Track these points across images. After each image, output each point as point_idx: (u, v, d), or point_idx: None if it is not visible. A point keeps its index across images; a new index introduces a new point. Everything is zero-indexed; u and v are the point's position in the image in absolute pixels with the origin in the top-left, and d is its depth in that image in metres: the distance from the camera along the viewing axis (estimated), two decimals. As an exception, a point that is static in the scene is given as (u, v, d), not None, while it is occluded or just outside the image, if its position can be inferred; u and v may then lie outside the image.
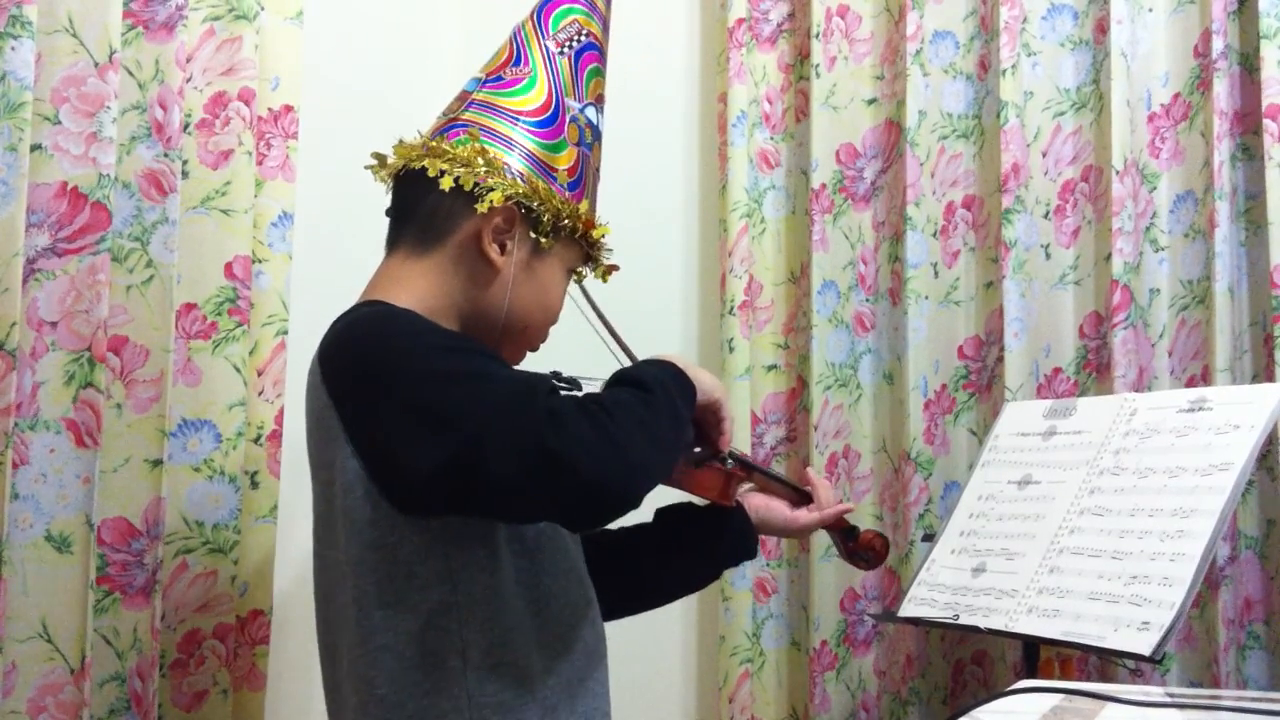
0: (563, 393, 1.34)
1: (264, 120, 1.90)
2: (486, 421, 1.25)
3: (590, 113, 1.55)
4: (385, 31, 2.42)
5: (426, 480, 1.29)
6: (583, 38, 1.56)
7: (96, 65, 1.62)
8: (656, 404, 1.36)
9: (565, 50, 1.55)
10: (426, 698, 1.35)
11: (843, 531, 1.78)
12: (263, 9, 1.87)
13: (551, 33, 1.55)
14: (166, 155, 1.73)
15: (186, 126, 1.80)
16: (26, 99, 1.52)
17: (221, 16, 1.84)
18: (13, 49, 1.52)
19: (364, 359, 1.34)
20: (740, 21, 2.35)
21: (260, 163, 1.89)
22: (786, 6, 2.41)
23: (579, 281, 1.59)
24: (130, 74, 1.71)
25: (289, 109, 1.93)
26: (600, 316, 1.59)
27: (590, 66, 1.57)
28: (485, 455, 1.24)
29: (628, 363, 1.55)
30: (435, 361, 1.31)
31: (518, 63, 1.53)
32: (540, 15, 1.56)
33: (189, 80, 1.80)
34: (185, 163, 1.79)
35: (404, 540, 1.35)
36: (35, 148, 1.57)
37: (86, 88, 1.62)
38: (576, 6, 1.58)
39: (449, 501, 1.31)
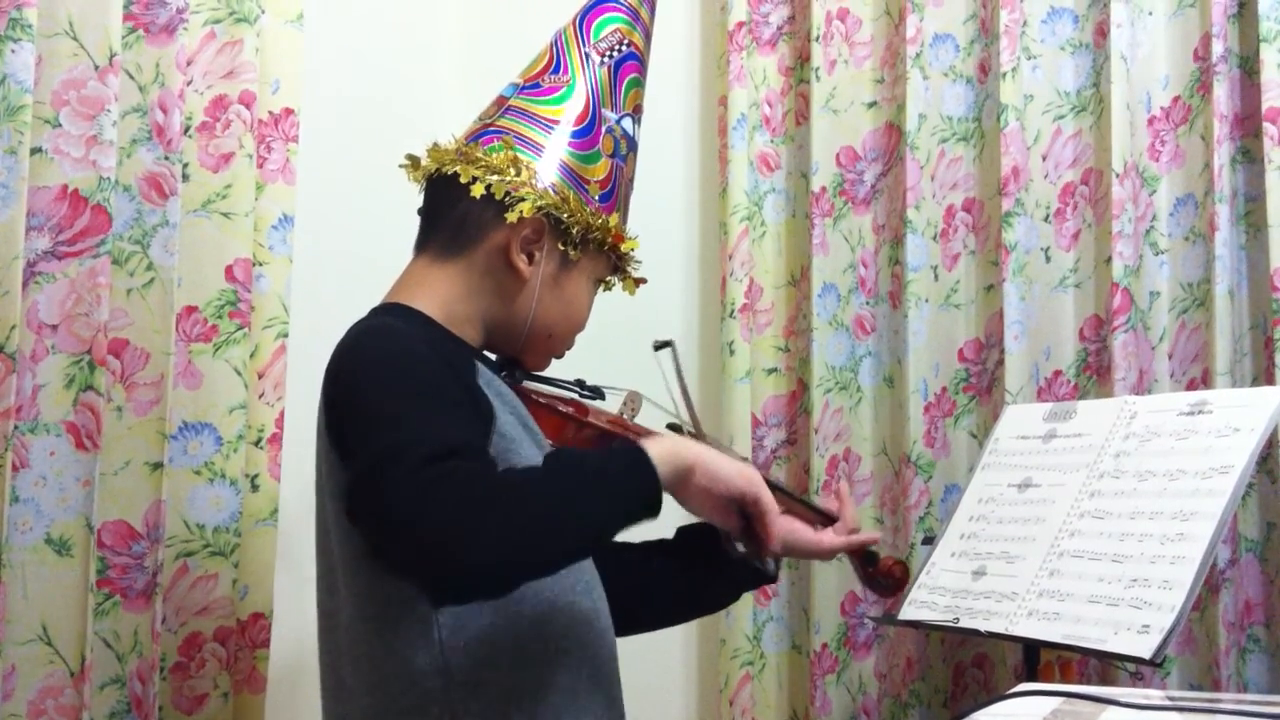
0: (461, 462, 1.24)
1: (264, 123, 1.90)
2: (369, 469, 1.23)
3: (627, 124, 1.55)
4: (386, 34, 2.42)
5: (352, 508, 1.30)
6: (624, 48, 1.56)
7: (97, 68, 1.62)
8: (560, 500, 1.24)
9: (605, 60, 1.54)
10: (403, 715, 1.34)
11: (863, 557, 1.78)
12: (263, 12, 1.88)
13: (593, 41, 1.54)
14: (167, 158, 1.73)
15: (187, 129, 1.80)
16: (27, 102, 1.53)
17: (222, 19, 1.84)
18: (13, 52, 1.52)
19: (347, 378, 1.35)
20: (740, 25, 2.36)
21: (261, 166, 1.89)
22: (786, 9, 2.41)
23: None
24: (131, 77, 1.72)
25: (289, 112, 1.93)
26: (682, 386, 1.55)
27: (630, 77, 1.56)
28: (359, 499, 1.24)
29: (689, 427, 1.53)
30: (374, 395, 1.30)
31: (556, 70, 1.53)
32: (582, 23, 1.56)
33: (189, 83, 1.80)
34: (186, 166, 1.79)
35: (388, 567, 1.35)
36: (35, 151, 1.57)
37: (87, 90, 1.62)
38: (619, 15, 1.57)
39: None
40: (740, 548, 1.44)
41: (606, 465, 1.29)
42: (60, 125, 1.61)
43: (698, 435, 1.57)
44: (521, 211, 1.43)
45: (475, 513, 1.18)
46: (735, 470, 1.36)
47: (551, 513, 1.23)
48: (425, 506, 1.18)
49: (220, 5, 1.84)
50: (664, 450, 1.30)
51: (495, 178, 1.44)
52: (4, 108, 1.51)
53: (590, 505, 1.26)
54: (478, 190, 1.43)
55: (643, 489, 1.28)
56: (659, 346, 1.59)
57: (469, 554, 1.18)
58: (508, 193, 1.43)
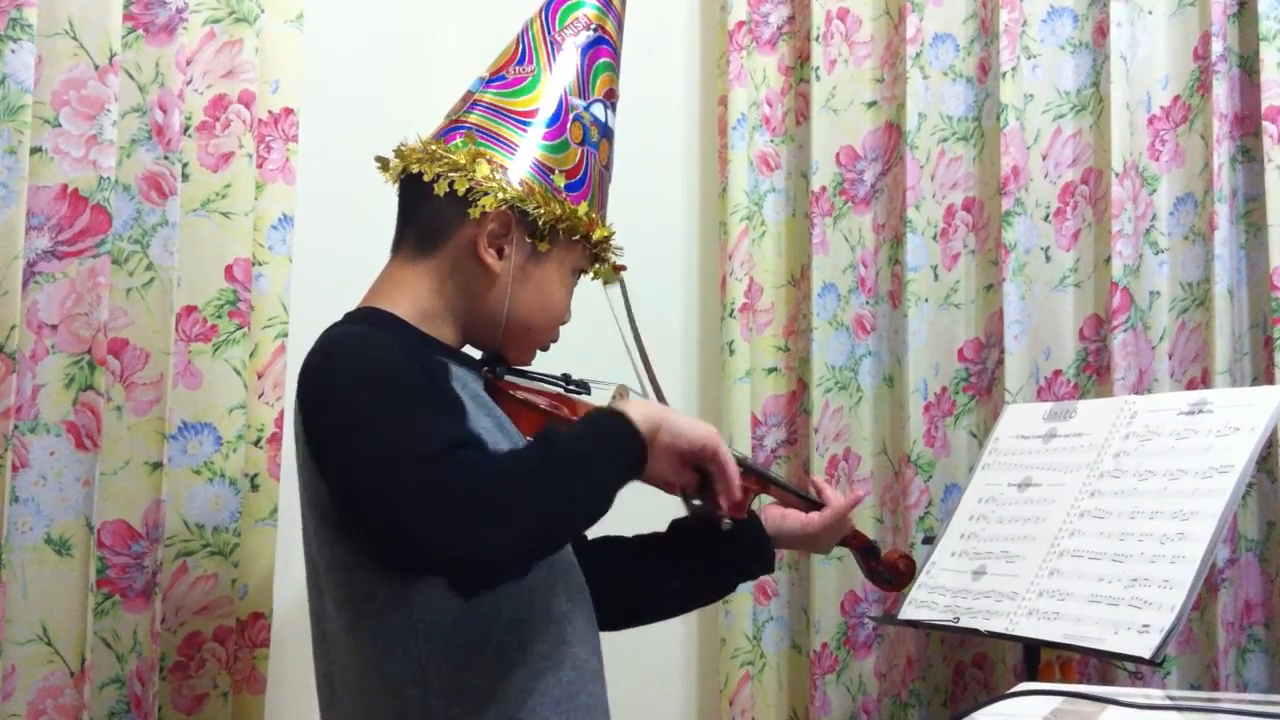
0: (463, 454, 1.27)
1: (264, 123, 1.90)
2: (371, 473, 1.24)
3: (597, 109, 1.54)
4: (385, 34, 2.42)
5: (339, 511, 1.32)
6: (592, 32, 1.55)
7: (97, 68, 1.62)
8: (562, 469, 1.28)
9: (573, 46, 1.53)
10: None
11: (864, 550, 1.78)
12: (263, 12, 1.87)
13: (559, 28, 1.53)
14: (166, 158, 1.73)
15: (187, 129, 1.80)
16: (27, 102, 1.53)
17: (222, 19, 1.84)
18: (13, 52, 1.52)
19: (324, 388, 1.35)
20: (740, 24, 2.36)
21: (260, 165, 1.89)
22: (786, 9, 2.41)
23: (594, 279, 1.58)
24: (130, 77, 1.72)
25: (289, 112, 1.93)
26: (634, 331, 1.55)
27: (600, 62, 1.55)
28: (366, 505, 1.25)
29: (645, 379, 1.53)
30: (357, 399, 1.31)
31: (521, 61, 1.52)
32: (548, 11, 1.55)
33: (189, 83, 1.80)
34: (185, 165, 1.79)
35: (361, 563, 1.35)
36: (35, 150, 1.57)
37: (87, 90, 1.62)
38: (588, 1, 1.56)
39: (359, 536, 1.33)
40: (697, 504, 1.47)
41: (597, 439, 1.33)
42: (60, 125, 1.61)
43: (651, 377, 1.55)
44: (484, 206, 1.43)
45: (476, 505, 1.21)
46: (699, 427, 1.40)
47: (552, 494, 1.27)
48: (440, 503, 1.20)
49: (220, 5, 1.84)
50: (641, 414, 1.35)
51: (457, 174, 1.43)
52: (4, 107, 1.51)
53: (588, 482, 1.31)
54: (441, 188, 1.43)
55: (633, 456, 1.33)
56: (608, 281, 1.58)
57: (493, 542, 1.22)
58: (470, 188, 1.43)
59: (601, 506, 1.32)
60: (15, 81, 1.52)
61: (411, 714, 1.34)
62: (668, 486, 1.47)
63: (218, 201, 1.82)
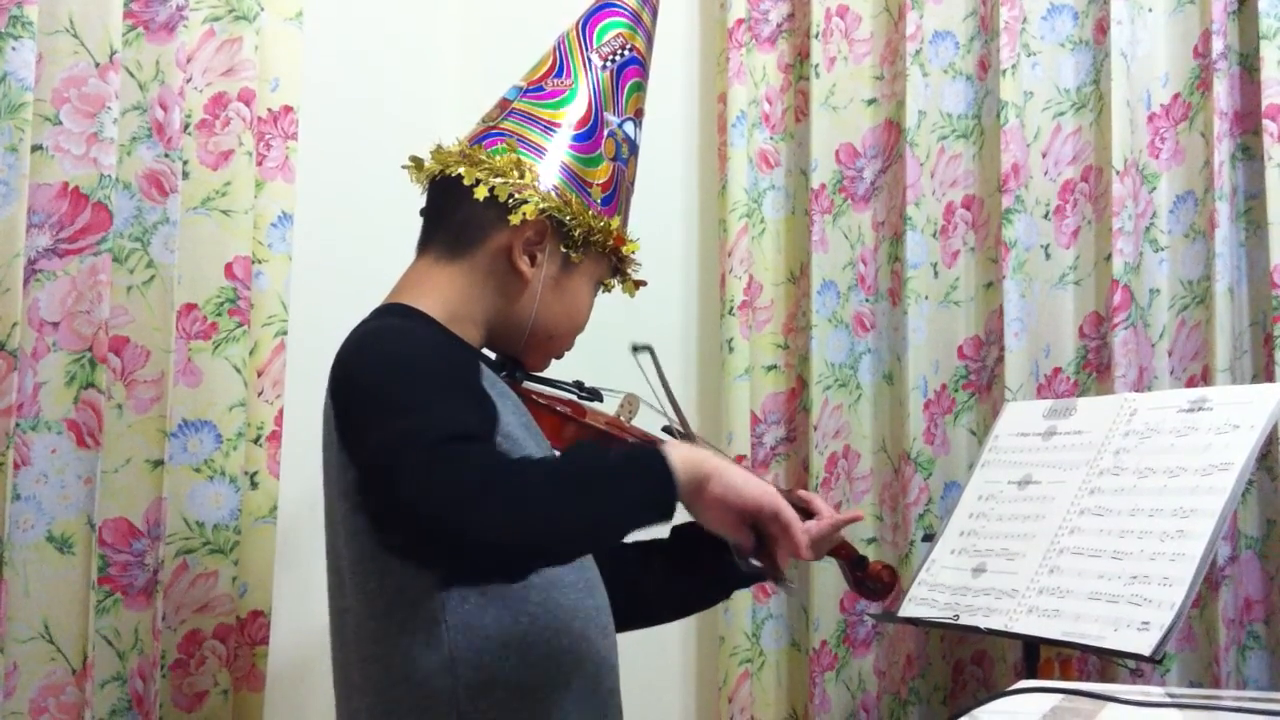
0: (485, 444, 1.28)
1: (264, 121, 1.90)
2: (392, 448, 1.24)
3: (629, 127, 1.57)
4: (385, 33, 2.42)
5: (360, 493, 1.33)
6: (626, 52, 1.58)
7: (97, 66, 1.62)
8: (581, 485, 1.26)
9: (608, 64, 1.56)
10: (410, 715, 1.35)
11: (851, 561, 1.79)
12: (262, 10, 1.87)
13: (595, 46, 1.56)
14: (167, 156, 1.73)
15: (187, 127, 1.80)
16: (27, 99, 1.53)
17: (221, 17, 1.84)
18: (13, 49, 1.52)
19: (356, 374, 1.36)
20: (740, 22, 2.35)
21: (260, 163, 1.89)
22: (786, 7, 2.41)
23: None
24: (131, 74, 1.72)
25: (289, 110, 1.93)
26: (666, 388, 1.56)
27: (632, 81, 1.58)
28: (382, 479, 1.25)
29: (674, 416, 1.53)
30: (386, 380, 1.32)
31: (559, 74, 1.54)
32: (585, 27, 1.58)
33: (189, 81, 1.80)
34: (185, 163, 1.79)
35: (396, 554, 1.35)
36: (36, 148, 1.57)
37: (87, 88, 1.62)
38: (622, 20, 1.59)
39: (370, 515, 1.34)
40: (754, 563, 1.37)
41: (624, 464, 1.30)
42: (61, 123, 1.61)
43: (687, 436, 1.58)
44: (524, 213, 1.44)
45: (485, 492, 1.20)
46: (755, 484, 1.32)
47: (563, 502, 1.25)
48: (435, 483, 1.20)
49: (220, 3, 1.84)
50: (683, 457, 1.28)
51: (499, 180, 1.45)
52: (5, 105, 1.51)
53: (603, 501, 1.27)
54: (481, 192, 1.44)
55: (658, 492, 1.26)
56: (637, 350, 1.60)
57: (473, 531, 1.20)
58: (511, 195, 1.45)
59: (600, 541, 1.33)
60: (16, 79, 1.52)
61: (439, 705, 1.34)
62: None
63: (218, 199, 1.82)
